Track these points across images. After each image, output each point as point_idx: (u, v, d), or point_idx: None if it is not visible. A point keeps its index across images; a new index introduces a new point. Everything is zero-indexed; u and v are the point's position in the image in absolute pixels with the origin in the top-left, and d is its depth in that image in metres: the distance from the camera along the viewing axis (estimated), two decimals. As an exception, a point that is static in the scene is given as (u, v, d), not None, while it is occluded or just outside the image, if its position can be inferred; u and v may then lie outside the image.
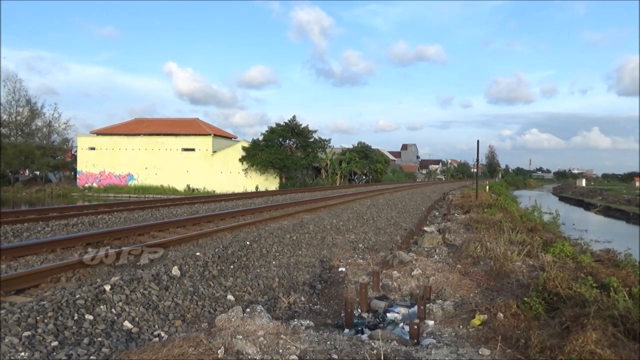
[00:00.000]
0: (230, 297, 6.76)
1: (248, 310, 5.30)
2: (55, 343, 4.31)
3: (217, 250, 8.22)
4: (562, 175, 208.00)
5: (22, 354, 3.97)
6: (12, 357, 3.88)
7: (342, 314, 6.56)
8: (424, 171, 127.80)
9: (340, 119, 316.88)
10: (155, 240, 8.92)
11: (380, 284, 8.21)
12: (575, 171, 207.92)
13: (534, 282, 6.85)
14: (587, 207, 52.39)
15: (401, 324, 6.16)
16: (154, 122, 59.65)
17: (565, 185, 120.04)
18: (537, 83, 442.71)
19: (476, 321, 5.79)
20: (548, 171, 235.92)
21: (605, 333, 4.52)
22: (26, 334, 4.29)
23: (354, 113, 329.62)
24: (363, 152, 62.02)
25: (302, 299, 7.47)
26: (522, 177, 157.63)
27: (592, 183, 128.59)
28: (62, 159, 62.79)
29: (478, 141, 30.57)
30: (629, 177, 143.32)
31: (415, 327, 5.29)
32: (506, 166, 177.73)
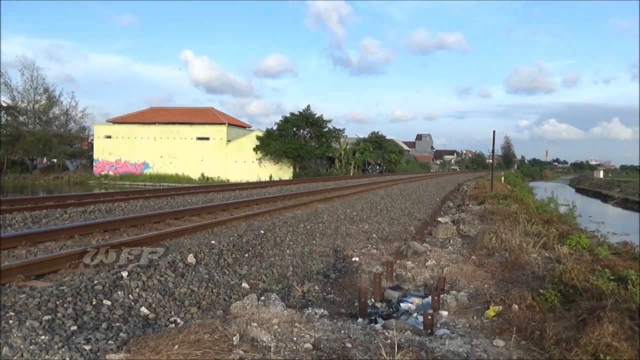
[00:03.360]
0: (245, 285, 6.82)
1: (263, 298, 5.35)
2: (74, 327, 4.39)
3: (232, 238, 8.29)
4: (579, 166, 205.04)
5: (43, 337, 4.05)
6: (32, 340, 3.97)
7: (356, 304, 6.59)
8: (438, 162, 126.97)
9: (356, 109, 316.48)
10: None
11: (394, 274, 8.21)
12: (593, 162, 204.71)
13: (550, 274, 6.79)
14: (605, 199, 51.63)
15: (415, 314, 6.16)
16: (169, 111, 60.00)
17: (582, 176, 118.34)
18: (559, 72, 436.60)
19: (491, 312, 5.77)
20: (565, 162, 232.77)
21: (622, 326, 4.47)
22: (46, 318, 4.38)
23: (371, 102, 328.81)
24: (377, 142, 61.76)
25: (316, 288, 7.50)
26: (538, 168, 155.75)
27: (610, 175, 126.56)
28: (79, 147, 63.51)
29: (494, 132, 30.21)
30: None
31: (429, 317, 5.28)
32: (522, 157, 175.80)
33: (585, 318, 4.89)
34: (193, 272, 6.44)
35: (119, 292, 5.31)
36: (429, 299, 6.56)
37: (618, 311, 4.79)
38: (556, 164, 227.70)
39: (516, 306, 5.78)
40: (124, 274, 5.64)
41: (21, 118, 56.33)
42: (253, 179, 47.37)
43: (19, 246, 6.97)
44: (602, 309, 4.87)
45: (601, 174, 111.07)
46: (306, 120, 51.46)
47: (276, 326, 4.64)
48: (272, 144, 49.49)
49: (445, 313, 6.02)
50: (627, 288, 5.62)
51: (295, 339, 4.43)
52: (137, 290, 5.50)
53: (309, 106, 52.22)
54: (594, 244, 10.16)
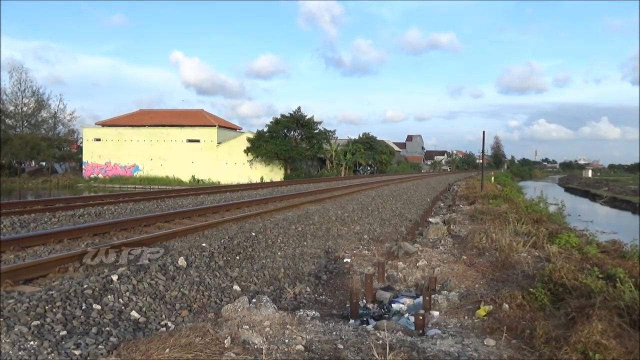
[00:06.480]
0: (236, 287, 6.80)
1: (254, 300, 5.33)
2: (63, 332, 4.35)
3: (222, 241, 8.26)
4: (568, 166, 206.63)
5: (32, 342, 4.01)
6: (21, 346, 3.93)
7: (348, 305, 6.59)
8: (429, 162, 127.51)
9: (348, 109, 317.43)
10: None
11: (386, 274, 8.23)
12: (582, 162, 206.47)
13: (540, 273, 6.84)
14: (593, 198, 52.14)
15: (406, 315, 6.18)
16: (159, 113, 59.66)
17: (571, 176, 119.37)
18: (551, 72, 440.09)
19: (481, 312, 5.80)
20: (554, 162, 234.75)
21: (610, 324, 4.51)
22: (35, 323, 4.34)
23: (363, 103, 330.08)
24: (368, 143, 61.88)
25: (308, 289, 7.50)
26: (527, 168, 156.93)
27: (599, 174, 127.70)
28: (68, 150, 62.94)
29: (484, 132, 30.41)
30: (636, 167, 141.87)
31: (421, 317, 5.30)
32: (512, 157, 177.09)
33: (574, 316, 4.93)
34: (184, 275, 6.41)
35: (109, 296, 5.27)
36: (420, 299, 6.58)
37: (607, 309, 4.83)
38: (545, 163, 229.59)
39: (506, 305, 5.81)
40: (114, 277, 5.60)
41: (9, 121, 55.70)
42: (244, 180, 47.21)
43: (7, 251, 6.89)
44: (591, 307, 4.91)
45: (590, 173, 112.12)
46: (297, 121, 51.47)
47: (268, 328, 4.63)
48: (263, 146, 49.42)
49: (436, 313, 6.04)
50: (616, 286, 5.67)
51: (287, 341, 4.42)
52: (128, 294, 5.47)
53: (299, 107, 52.38)
54: (583, 243, 10.24)
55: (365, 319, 6.08)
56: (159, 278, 6.03)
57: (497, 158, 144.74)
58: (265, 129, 51.90)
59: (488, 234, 10.23)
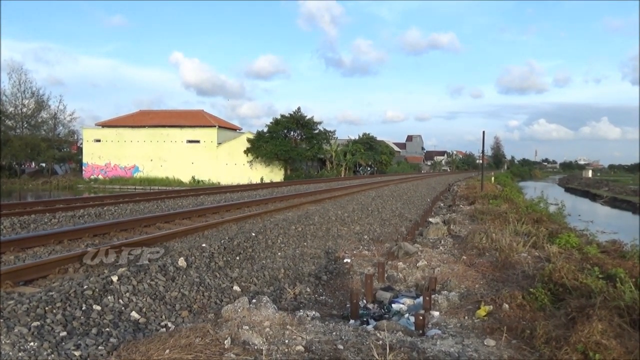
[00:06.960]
0: (236, 288, 6.80)
1: (254, 301, 5.33)
2: (63, 333, 4.35)
3: (222, 241, 8.26)
4: (568, 166, 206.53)
5: (32, 343, 4.01)
6: (21, 347, 3.93)
7: (348, 305, 6.59)
8: (429, 162, 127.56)
9: (348, 110, 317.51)
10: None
11: (386, 275, 8.23)
12: (582, 162, 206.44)
13: (540, 273, 6.83)
14: (593, 198, 52.14)
15: (406, 315, 6.18)
16: (159, 114, 59.68)
17: (571, 176, 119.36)
18: (551, 72, 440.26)
19: (481, 312, 5.79)
20: (554, 162, 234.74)
21: (611, 324, 4.51)
22: (35, 324, 4.34)
23: (363, 103, 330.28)
24: (368, 144, 61.88)
25: (308, 289, 7.49)
26: (527, 168, 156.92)
27: (599, 174, 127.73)
28: (68, 151, 63.00)
29: (484, 132, 30.41)
30: (636, 167, 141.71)
31: (421, 317, 5.30)
32: (512, 157, 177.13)
33: (574, 316, 4.92)
34: (184, 276, 6.41)
35: (109, 297, 5.27)
36: (421, 299, 6.58)
37: (607, 309, 4.83)
38: (545, 163, 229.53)
39: (507, 305, 5.81)
40: (114, 278, 5.60)
41: (9, 122, 55.72)
42: (244, 181, 47.26)
43: (7, 252, 6.90)
44: (592, 307, 4.91)
45: (590, 174, 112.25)
46: (297, 122, 51.51)
47: (268, 329, 4.63)
48: (263, 146, 49.45)
49: (436, 313, 6.04)
50: (616, 286, 5.67)
51: (287, 341, 4.42)
52: (128, 294, 5.46)
53: (299, 108, 52.48)
54: (583, 243, 10.24)
55: (365, 319, 6.07)
56: (159, 279, 6.03)
57: (497, 158, 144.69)
58: (265, 130, 51.96)
59: (488, 234, 10.22)
